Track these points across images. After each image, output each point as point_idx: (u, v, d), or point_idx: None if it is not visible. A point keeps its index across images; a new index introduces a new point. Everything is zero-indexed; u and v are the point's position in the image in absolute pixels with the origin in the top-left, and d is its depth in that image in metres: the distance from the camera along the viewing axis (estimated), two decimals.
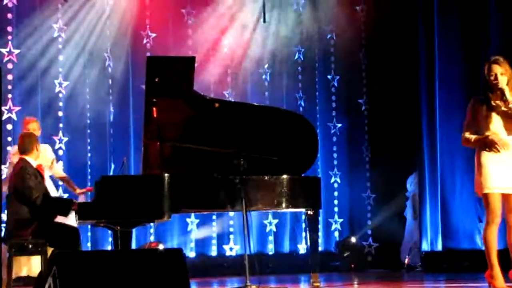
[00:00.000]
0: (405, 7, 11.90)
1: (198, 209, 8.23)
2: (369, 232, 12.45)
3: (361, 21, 12.65)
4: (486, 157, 6.43)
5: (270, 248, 11.96)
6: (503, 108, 6.50)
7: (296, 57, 12.38)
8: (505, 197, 6.45)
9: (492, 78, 6.49)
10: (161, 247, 10.32)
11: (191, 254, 11.48)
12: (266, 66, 12.16)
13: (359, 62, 12.67)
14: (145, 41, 11.48)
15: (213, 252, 11.75)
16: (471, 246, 10.80)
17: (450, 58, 11.17)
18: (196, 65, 7.77)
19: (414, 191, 11.96)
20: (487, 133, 6.47)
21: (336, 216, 12.44)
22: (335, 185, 12.51)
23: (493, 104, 6.49)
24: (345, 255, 11.86)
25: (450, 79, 11.09)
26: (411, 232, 11.88)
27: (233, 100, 11.30)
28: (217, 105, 7.77)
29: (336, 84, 12.63)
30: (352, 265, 11.72)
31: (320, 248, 10.96)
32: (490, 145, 6.46)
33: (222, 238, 11.77)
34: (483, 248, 6.54)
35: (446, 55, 11.27)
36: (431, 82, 11.40)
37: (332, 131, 12.55)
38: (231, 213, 11.56)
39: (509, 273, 6.42)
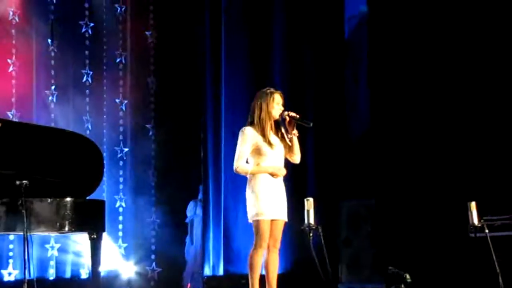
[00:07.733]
0: (193, 33, 12.22)
1: None
2: (153, 257, 12.46)
3: (150, 46, 12.76)
4: (259, 185, 6.72)
5: (51, 273, 11.67)
6: (280, 138, 6.81)
7: (84, 79, 12.22)
8: (272, 223, 6.78)
9: (276, 108, 6.77)
10: None
11: None
12: (53, 87, 11.87)
13: (147, 86, 12.74)
14: None
15: None
16: None
17: (236, 84, 11.52)
18: None
19: (192, 217, 12.20)
20: (263, 163, 6.73)
21: (120, 241, 12.36)
22: (120, 209, 12.43)
23: (270, 133, 6.77)
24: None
25: (235, 105, 11.43)
26: (194, 257, 12.05)
27: (17, 120, 10.99)
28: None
29: (124, 108, 12.60)
30: None
31: (102, 273, 10.91)
32: (275, 173, 6.74)
33: (1, 263, 11.36)
34: (248, 271, 6.77)
35: (232, 81, 11.62)
36: (218, 108, 11.72)
37: (119, 155, 12.49)
38: (11, 237, 11.20)
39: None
